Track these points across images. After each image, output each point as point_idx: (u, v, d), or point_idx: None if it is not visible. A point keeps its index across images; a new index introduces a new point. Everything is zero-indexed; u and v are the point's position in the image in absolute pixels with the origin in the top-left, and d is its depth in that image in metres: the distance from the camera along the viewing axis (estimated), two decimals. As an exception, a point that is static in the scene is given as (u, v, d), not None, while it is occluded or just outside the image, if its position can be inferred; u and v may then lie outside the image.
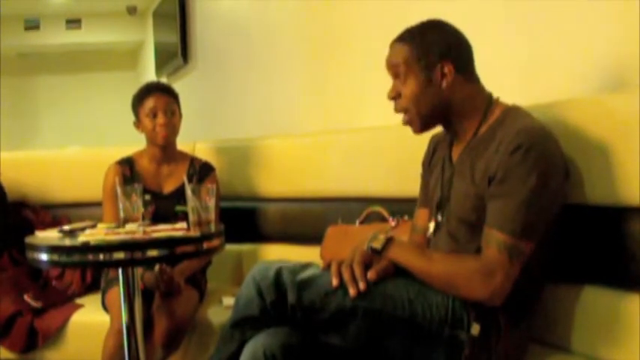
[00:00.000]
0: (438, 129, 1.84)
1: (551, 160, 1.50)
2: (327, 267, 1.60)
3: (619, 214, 1.55)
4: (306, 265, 1.61)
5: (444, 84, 1.61)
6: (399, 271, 1.61)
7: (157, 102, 2.54)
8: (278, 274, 1.56)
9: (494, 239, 1.48)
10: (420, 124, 1.67)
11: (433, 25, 1.66)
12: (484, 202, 1.54)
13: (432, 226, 1.74)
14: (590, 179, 1.59)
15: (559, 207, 1.55)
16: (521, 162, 1.47)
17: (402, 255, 1.60)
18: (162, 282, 2.28)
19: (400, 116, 1.70)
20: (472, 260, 1.52)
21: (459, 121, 1.66)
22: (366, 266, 1.57)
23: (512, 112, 1.61)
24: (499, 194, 1.50)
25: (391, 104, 1.70)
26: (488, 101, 1.65)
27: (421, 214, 1.86)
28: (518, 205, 1.47)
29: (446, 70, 1.60)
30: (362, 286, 1.52)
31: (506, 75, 1.73)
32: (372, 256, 1.62)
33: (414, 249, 1.65)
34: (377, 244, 1.61)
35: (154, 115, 2.54)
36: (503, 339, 1.54)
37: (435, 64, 1.61)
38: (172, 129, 2.58)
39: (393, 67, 1.66)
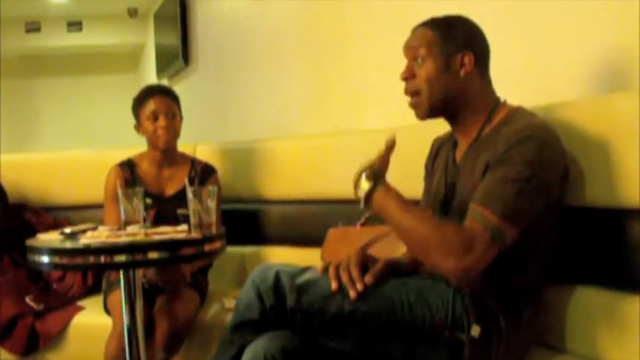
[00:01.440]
0: (439, 130, 1.84)
1: (551, 154, 1.50)
2: (325, 270, 1.59)
3: (619, 215, 1.55)
4: (305, 269, 1.61)
5: (462, 73, 1.61)
6: (397, 272, 1.61)
7: (158, 105, 2.54)
8: (277, 277, 1.56)
9: (481, 216, 1.45)
10: (428, 109, 1.64)
11: (459, 17, 1.67)
12: None
13: None
14: (589, 181, 1.59)
15: (554, 203, 1.54)
16: (521, 150, 1.46)
17: (385, 207, 1.55)
18: (164, 278, 2.28)
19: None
20: (453, 229, 1.47)
21: (464, 116, 1.66)
22: (363, 267, 1.57)
23: (518, 112, 1.62)
24: (493, 175, 1.49)
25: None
26: (496, 102, 1.66)
27: None
28: (512, 189, 1.45)
29: (466, 59, 1.61)
30: (359, 286, 1.52)
31: (505, 76, 1.73)
32: (368, 257, 1.61)
33: (397, 202, 1.54)
34: (361, 194, 1.55)
35: (155, 118, 2.54)
36: (504, 341, 1.54)
37: (456, 52, 1.61)
38: (173, 132, 2.58)
39: (412, 50, 1.66)
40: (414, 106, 1.67)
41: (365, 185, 1.55)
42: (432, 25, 1.66)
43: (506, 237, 1.45)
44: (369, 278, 1.53)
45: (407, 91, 1.67)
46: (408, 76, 1.66)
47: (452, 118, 1.70)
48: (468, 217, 1.48)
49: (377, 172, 1.56)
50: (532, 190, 1.46)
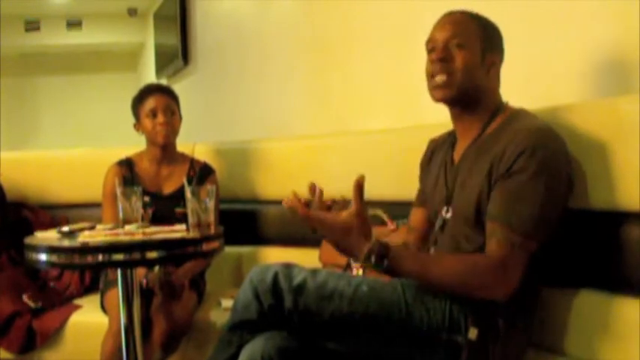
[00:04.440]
0: (437, 132, 1.84)
1: (558, 162, 1.51)
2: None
3: (618, 219, 1.56)
4: (304, 269, 1.61)
5: (491, 72, 1.63)
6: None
7: (157, 102, 2.54)
8: (275, 278, 1.56)
9: (505, 237, 1.47)
10: (456, 93, 1.61)
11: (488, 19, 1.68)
12: (487, 199, 1.54)
13: (438, 223, 1.72)
14: (590, 184, 1.59)
15: (563, 210, 1.55)
16: (531, 163, 1.47)
17: (407, 273, 1.51)
18: (162, 284, 2.28)
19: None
20: (484, 264, 1.49)
21: (473, 112, 1.66)
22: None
23: (520, 114, 1.63)
24: (508, 193, 1.49)
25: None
26: (499, 103, 1.67)
27: (416, 213, 1.87)
28: (528, 205, 1.47)
29: (497, 60, 1.64)
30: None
31: (506, 78, 1.73)
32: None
33: (416, 263, 1.50)
34: (373, 266, 1.47)
35: (154, 115, 2.54)
36: (501, 343, 1.54)
37: (490, 51, 1.63)
38: (172, 128, 2.58)
39: (452, 31, 1.62)
40: (443, 85, 1.62)
41: (378, 269, 1.46)
42: (472, 16, 1.66)
43: (530, 250, 1.49)
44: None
45: (436, 71, 1.63)
46: (446, 56, 1.61)
47: (462, 112, 1.68)
48: (491, 237, 1.50)
49: (379, 248, 1.45)
50: (548, 203, 1.48)
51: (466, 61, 1.60)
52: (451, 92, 1.62)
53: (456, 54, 1.61)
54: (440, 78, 1.62)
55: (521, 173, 1.48)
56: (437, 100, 1.65)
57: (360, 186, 1.43)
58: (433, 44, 1.65)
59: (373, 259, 1.45)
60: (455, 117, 1.71)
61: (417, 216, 1.87)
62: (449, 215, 1.68)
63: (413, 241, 1.84)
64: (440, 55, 1.62)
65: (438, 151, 1.82)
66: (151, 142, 2.60)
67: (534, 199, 1.47)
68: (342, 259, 2.27)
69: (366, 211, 1.41)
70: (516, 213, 1.48)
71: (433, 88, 1.65)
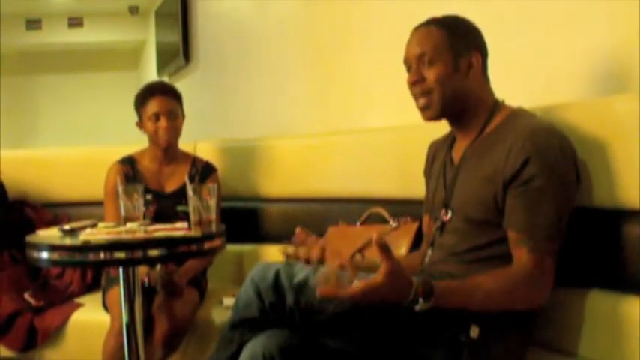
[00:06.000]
0: (438, 129, 1.84)
1: (565, 159, 1.52)
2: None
3: (620, 217, 1.56)
4: (305, 267, 1.61)
5: (471, 74, 1.62)
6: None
7: (160, 106, 2.53)
8: (276, 276, 1.56)
9: (534, 245, 1.50)
10: (440, 110, 1.64)
11: (461, 18, 1.67)
12: (493, 200, 1.55)
13: (436, 226, 1.72)
14: (589, 182, 1.59)
15: (573, 205, 1.56)
16: (541, 168, 1.48)
17: (453, 304, 1.47)
18: (166, 282, 2.29)
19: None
20: (518, 271, 1.51)
21: (468, 116, 1.66)
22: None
23: (519, 113, 1.63)
24: (527, 202, 1.50)
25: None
26: (495, 102, 1.67)
27: (425, 220, 1.87)
28: (550, 208, 1.49)
29: (474, 61, 1.62)
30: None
31: (505, 78, 1.73)
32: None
33: (459, 293, 1.47)
34: (421, 307, 1.42)
35: (157, 119, 2.54)
36: (503, 341, 1.54)
37: (464, 53, 1.62)
38: (174, 132, 2.58)
39: (418, 51, 1.64)
40: (424, 107, 1.66)
41: (426, 305, 1.42)
42: (436, 24, 1.65)
43: (556, 250, 1.53)
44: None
45: (416, 94, 1.66)
46: (418, 79, 1.64)
47: (456, 119, 1.69)
48: (518, 247, 1.52)
49: (423, 290, 1.41)
50: (562, 203, 1.51)
51: (438, 75, 1.61)
52: (435, 111, 1.65)
53: (427, 72, 1.62)
54: (420, 102, 1.65)
55: (535, 180, 1.49)
56: (426, 120, 1.68)
57: (382, 246, 1.36)
58: (408, 64, 1.68)
59: (421, 300, 1.42)
60: (451, 125, 1.73)
61: (426, 222, 1.86)
62: (447, 217, 1.68)
63: (425, 248, 1.84)
64: (413, 79, 1.65)
65: (439, 153, 1.83)
66: (153, 142, 2.60)
67: (553, 203, 1.49)
68: (345, 257, 2.27)
69: (398, 264, 1.37)
70: (540, 219, 1.50)
71: (419, 110, 1.68)
